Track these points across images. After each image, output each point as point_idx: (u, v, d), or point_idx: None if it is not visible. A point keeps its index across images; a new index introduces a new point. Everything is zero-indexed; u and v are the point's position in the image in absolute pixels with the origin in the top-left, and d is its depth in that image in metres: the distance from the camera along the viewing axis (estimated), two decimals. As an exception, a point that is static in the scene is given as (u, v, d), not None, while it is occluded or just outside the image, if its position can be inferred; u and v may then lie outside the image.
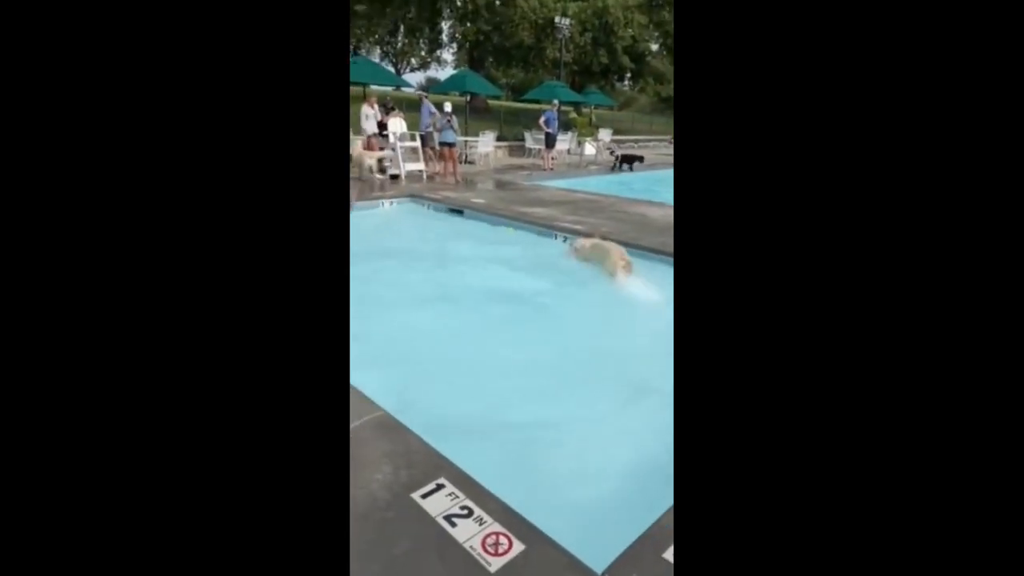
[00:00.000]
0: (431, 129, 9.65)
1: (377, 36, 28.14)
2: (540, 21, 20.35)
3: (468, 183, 9.64)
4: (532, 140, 14.01)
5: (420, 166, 9.54)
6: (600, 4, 22.52)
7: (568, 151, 14.43)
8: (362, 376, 2.70)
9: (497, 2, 20.73)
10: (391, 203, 7.87)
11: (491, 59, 24.99)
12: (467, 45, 24.23)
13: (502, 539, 1.68)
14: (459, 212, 7.33)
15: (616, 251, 4.41)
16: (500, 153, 14.17)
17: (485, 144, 12.57)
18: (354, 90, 15.02)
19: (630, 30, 23.61)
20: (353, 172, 8.57)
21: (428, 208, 7.77)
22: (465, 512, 1.79)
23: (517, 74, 33.56)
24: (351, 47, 31.54)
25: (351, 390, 2.57)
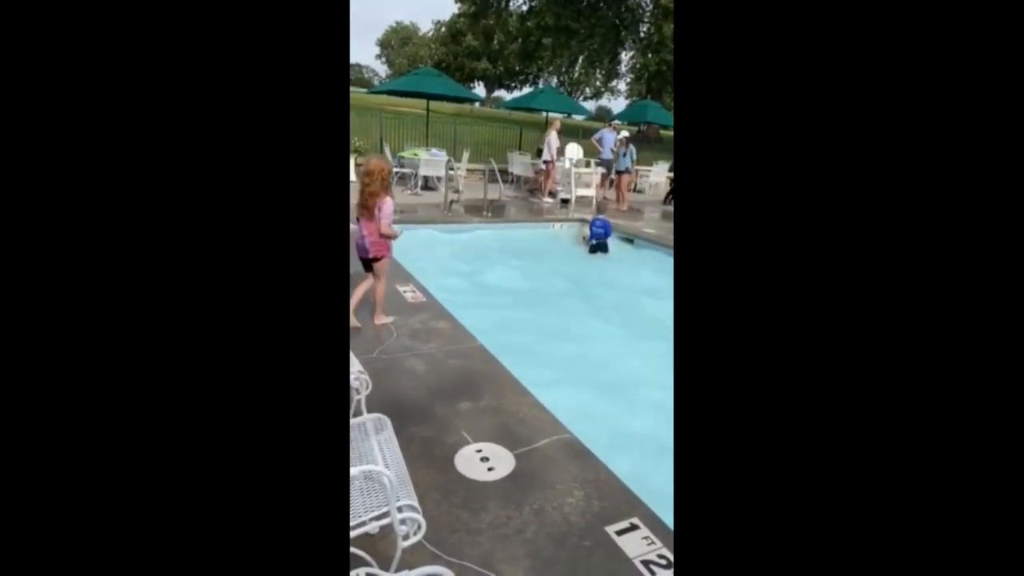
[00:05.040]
0: (612, 157, 9.77)
1: (555, 66, 29.58)
2: (728, 51, 19.53)
3: (636, 212, 9.51)
4: (707, 173, 13.37)
5: (591, 192, 9.68)
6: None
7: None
8: (549, 396, 2.78)
9: (683, 32, 20.36)
10: (560, 226, 8.09)
11: (670, 89, 24.56)
12: (645, 76, 24.17)
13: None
14: (629, 241, 7.24)
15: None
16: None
17: (657, 174, 12.32)
18: (537, 117, 15.94)
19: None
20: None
21: (597, 234, 7.82)
22: (664, 563, 1.70)
23: (692, 104, 32.34)
24: (532, 77, 33.55)
25: (540, 409, 2.65)
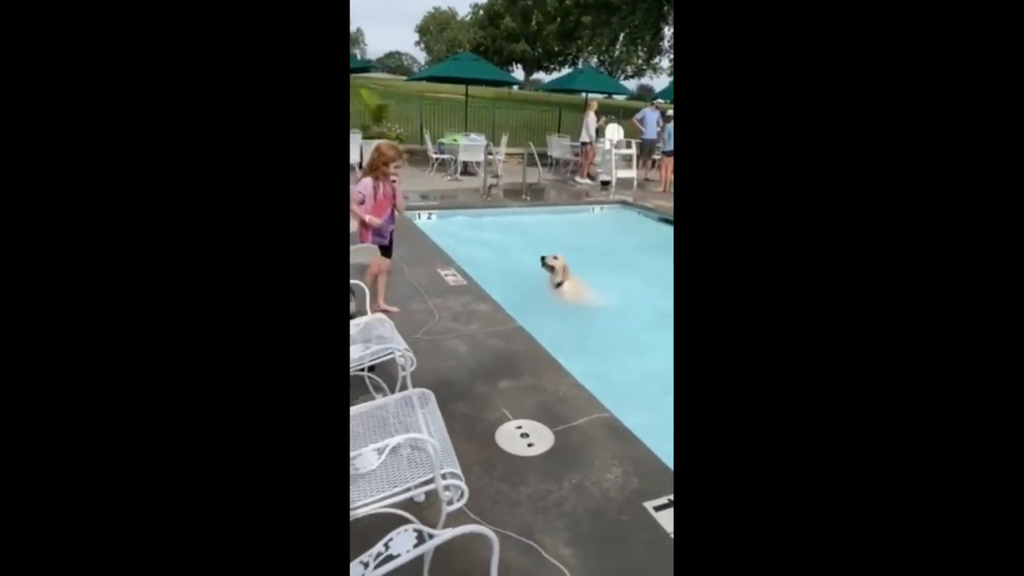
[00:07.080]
0: (656, 137, 9.55)
1: (595, 45, 28.91)
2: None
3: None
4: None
5: (632, 173, 9.50)
6: None
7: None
8: (588, 375, 2.80)
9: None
10: (601, 208, 8.00)
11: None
12: (689, 50, 23.26)
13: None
14: (670, 222, 7.10)
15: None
16: (715, 163, 13.30)
17: (701, 153, 11.93)
18: (576, 99, 15.71)
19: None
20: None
21: (639, 215, 7.69)
22: (702, 538, 1.72)
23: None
24: (572, 57, 32.94)
25: (580, 388, 2.68)
